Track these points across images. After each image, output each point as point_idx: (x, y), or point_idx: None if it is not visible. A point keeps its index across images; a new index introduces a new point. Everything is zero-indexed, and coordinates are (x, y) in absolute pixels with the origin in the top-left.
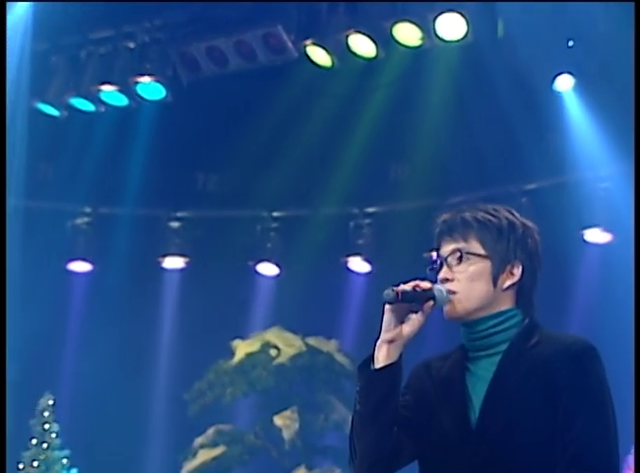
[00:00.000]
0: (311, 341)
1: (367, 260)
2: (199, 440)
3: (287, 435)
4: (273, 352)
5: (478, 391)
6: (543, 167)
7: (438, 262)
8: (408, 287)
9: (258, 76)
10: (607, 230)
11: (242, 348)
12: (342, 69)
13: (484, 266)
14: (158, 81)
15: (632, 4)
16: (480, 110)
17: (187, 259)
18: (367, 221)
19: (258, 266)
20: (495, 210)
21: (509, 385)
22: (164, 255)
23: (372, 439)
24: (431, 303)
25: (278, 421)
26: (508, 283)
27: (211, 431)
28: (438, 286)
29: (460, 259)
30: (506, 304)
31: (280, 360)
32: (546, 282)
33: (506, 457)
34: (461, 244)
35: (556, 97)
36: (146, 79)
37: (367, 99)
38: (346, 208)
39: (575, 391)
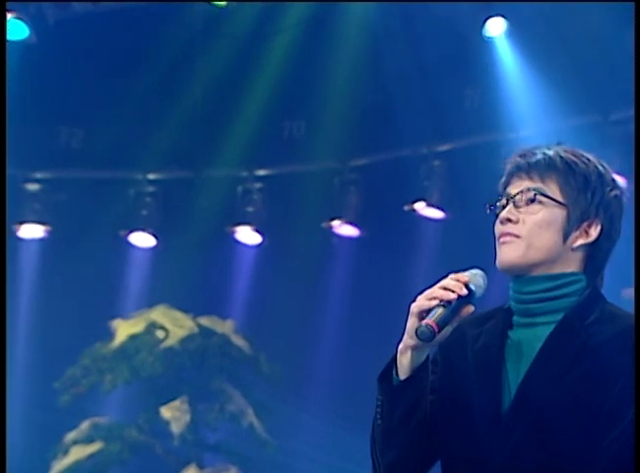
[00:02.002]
0: (204, 321)
1: (258, 231)
2: (71, 436)
3: (176, 428)
4: (160, 333)
5: (517, 369)
6: (460, 125)
7: (503, 201)
8: (444, 300)
9: (138, 16)
10: None
11: (124, 329)
12: (238, 9)
13: (558, 215)
14: (19, 18)
15: (632, 4)
16: (395, 61)
17: (48, 227)
18: (258, 185)
19: (131, 236)
20: (585, 157)
21: (555, 366)
22: (21, 223)
23: (400, 453)
24: (470, 309)
25: (165, 413)
26: (580, 242)
27: (85, 424)
28: (475, 271)
29: (532, 200)
30: (572, 266)
31: (168, 342)
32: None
33: (541, 453)
34: (537, 184)
35: (486, 43)
36: None
37: (265, 45)
38: (233, 170)
39: (630, 382)
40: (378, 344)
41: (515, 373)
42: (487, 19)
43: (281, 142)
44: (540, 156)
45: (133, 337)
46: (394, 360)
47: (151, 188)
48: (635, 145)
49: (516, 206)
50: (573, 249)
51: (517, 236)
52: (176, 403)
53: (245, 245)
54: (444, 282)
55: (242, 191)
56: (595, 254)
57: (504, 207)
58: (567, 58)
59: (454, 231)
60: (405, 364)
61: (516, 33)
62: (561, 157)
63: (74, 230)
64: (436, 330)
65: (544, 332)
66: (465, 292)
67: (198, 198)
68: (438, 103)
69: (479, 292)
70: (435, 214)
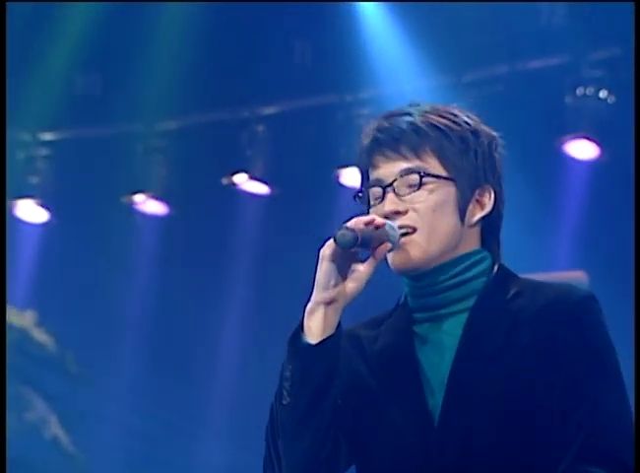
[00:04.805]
0: None
1: (43, 205)
2: None
3: None
4: None
5: (437, 366)
6: (289, 85)
7: (377, 189)
8: (361, 224)
9: None
10: None
11: None
12: None
13: (448, 192)
14: None
15: (632, 4)
16: (213, 9)
17: None
18: (43, 151)
19: None
20: (448, 112)
21: (484, 354)
22: None
23: (310, 444)
24: (388, 245)
25: None
26: (478, 216)
27: None
28: (388, 221)
29: (418, 186)
30: (471, 244)
31: None
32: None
33: (485, 458)
34: (414, 163)
35: None
36: None
37: None
38: (13, 134)
39: (580, 358)
40: (192, 330)
41: (435, 371)
42: None
43: (72, 100)
44: (404, 125)
45: None
46: (301, 324)
47: None
48: (635, 145)
49: (397, 194)
50: (471, 226)
51: (412, 231)
52: None
53: (29, 224)
54: (356, 218)
55: (25, 158)
56: (492, 225)
57: (380, 197)
58: (425, 10)
59: (280, 208)
60: (315, 326)
61: None
62: (430, 122)
63: None
64: (359, 236)
65: (460, 320)
66: (382, 221)
67: None
68: (263, 58)
69: (391, 233)
70: (259, 188)
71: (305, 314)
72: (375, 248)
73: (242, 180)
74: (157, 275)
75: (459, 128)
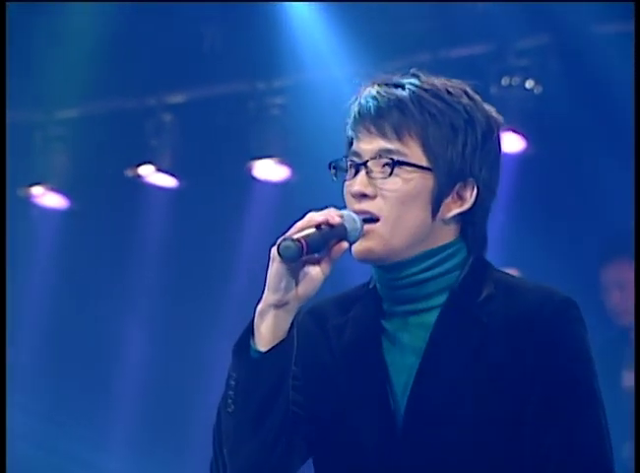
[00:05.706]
0: None
1: None
2: None
3: None
4: None
5: (402, 370)
6: (197, 72)
7: (351, 163)
8: (311, 225)
9: None
10: (284, 162)
11: None
12: None
13: (424, 184)
14: None
15: (632, 4)
16: None
17: None
18: None
19: None
20: (447, 91)
21: (451, 363)
22: None
23: (256, 451)
24: (345, 245)
25: None
26: (455, 211)
27: None
28: (349, 213)
29: (391, 172)
30: (447, 237)
31: None
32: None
33: (455, 465)
34: (394, 144)
35: None
36: None
37: None
38: None
39: (555, 373)
40: (95, 331)
41: (400, 375)
42: None
43: None
44: (393, 100)
45: None
46: (251, 326)
47: None
48: (635, 145)
49: (370, 175)
50: (446, 221)
51: (376, 220)
52: None
53: None
54: (310, 214)
55: None
56: (473, 219)
57: (354, 171)
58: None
59: (189, 202)
60: (265, 330)
61: None
62: (420, 102)
63: None
64: (304, 246)
65: (429, 319)
66: (337, 220)
67: None
68: (170, 44)
69: (352, 233)
70: (166, 181)
71: (256, 315)
72: (332, 248)
73: (148, 172)
74: (56, 273)
75: (452, 114)
